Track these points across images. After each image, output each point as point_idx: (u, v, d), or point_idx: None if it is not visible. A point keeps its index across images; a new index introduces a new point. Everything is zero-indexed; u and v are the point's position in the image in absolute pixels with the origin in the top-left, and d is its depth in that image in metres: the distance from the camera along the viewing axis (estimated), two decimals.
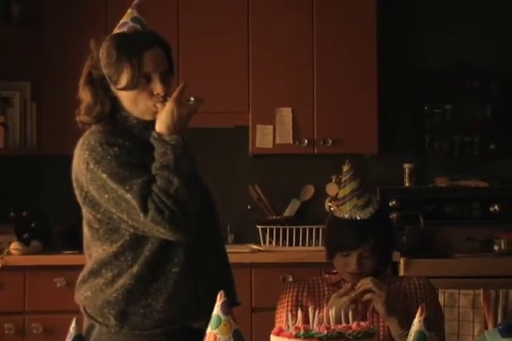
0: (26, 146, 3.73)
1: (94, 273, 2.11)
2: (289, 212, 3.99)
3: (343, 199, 2.25)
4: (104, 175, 2.01)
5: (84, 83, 2.13)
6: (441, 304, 2.75)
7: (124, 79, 2.02)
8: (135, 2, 2.16)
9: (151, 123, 2.06)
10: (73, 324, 1.52)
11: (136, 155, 2.00)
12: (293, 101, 3.80)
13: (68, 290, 3.42)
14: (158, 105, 2.02)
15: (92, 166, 2.05)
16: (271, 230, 3.78)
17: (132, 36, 2.08)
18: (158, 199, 1.91)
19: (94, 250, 2.10)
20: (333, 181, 3.97)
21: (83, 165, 2.08)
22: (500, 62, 4.12)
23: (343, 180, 2.29)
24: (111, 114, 2.10)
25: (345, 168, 2.27)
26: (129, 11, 2.15)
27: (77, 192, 2.12)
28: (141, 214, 1.91)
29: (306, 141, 3.79)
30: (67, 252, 3.55)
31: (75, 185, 2.12)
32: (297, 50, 3.81)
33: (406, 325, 2.08)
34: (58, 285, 3.42)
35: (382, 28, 3.91)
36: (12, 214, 3.69)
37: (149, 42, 2.06)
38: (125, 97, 2.06)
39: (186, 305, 2.03)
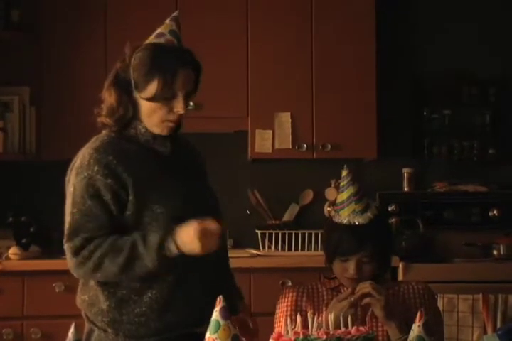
0: (25, 151, 3.73)
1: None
2: (288, 216, 3.99)
3: (341, 205, 2.25)
4: (71, 189, 2.04)
5: (110, 84, 2.16)
6: (441, 309, 2.74)
7: (151, 90, 2.04)
8: (174, 14, 2.17)
9: (159, 135, 2.10)
10: (72, 329, 1.52)
11: (117, 178, 2.00)
12: (292, 106, 3.81)
13: (67, 295, 3.41)
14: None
15: (73, 173, 2.08)
16: (270, 235, 3.77)
17: (170, 51, 2.11)
18: (89, 253, 1.99)
19: None
20: (332, 186, 3.97)
21: (71, 169, 2.13)
22: (499, 68, 4.13)
23: (341, 185, 2.29)
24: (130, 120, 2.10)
25: (343, 173, 2.27)
26: (168, 22, 2.18)
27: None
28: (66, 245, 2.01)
29: (305, 146, 3.79)
30: (65, 257, 3.54)
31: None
32: (296, 55, 3.82)
33: (405, 329, 2.08)
34: (57, 290, 3.42)
35: (382, 34, 3.91)
36: (11, 218, 3.69)
37: (186, 61, 2.10)
38: (144, 106, 2.08)
39: (182, 313, 2.02)
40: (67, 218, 2.03)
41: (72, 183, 2.03)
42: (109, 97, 2.13)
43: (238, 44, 3.80)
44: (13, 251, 3.49)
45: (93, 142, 2.10)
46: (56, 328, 3.24)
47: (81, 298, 2.11)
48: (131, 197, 2.00)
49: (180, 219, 2.00)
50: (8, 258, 3.47)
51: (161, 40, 2.14)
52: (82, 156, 2.07)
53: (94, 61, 3.77)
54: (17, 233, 3.63)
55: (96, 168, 2.01)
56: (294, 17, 3.83)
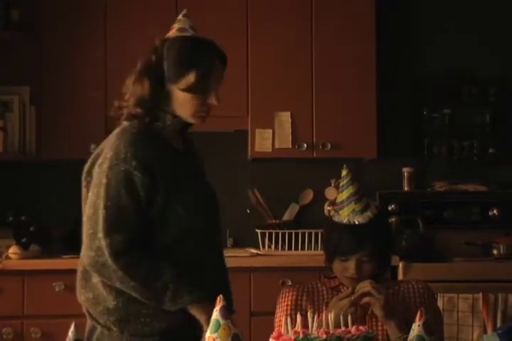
0: (25, 151, 3.73)
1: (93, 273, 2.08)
2: (288, 216, 3.99)
3: (341, 204, 2.25)
4: (104, 180, 1.99)
5: (141, 75, 2.13)
6: (441, 308, 2.75)
7: (188, 81, 2.07)
8: (184, 12, 2.19)
9: (181, 131, 2.13)
10: (72, 328, 1.52)
11: (150, 175, 1.98)
12: (292, 106, 3.81)
13: (67, 295, 3.42)
14: None
15: (106, 164, 2.00)
16: (270, 234, 3.77)
17: (207, 44, 2.18)
18: (131, 265, 1.96)
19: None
20: (332, 185, 3.97)
21: (101, 160, 2.04)
22: (499, 68, 4.13)
23: (340, 184, 2.29)
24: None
25: (343, 173, 2.27)
26: (182, 18, 2.22)
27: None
28: (106, 249, 1.94)
29: (305, 145, 3.79)
30: (66, 256, 3.55)
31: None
32: (296, 55, 3.82)
33: (404, 328, 2.08)
34: (57, 290, 3.42)
35: (382, 34, 3.92)
36: (11, 218, 3.69)
37: (221, 55, 2.17)
38: (178, 97, 2.09)
39: (188, 315, 2.02)
40: (100, 211, 1.97)
41: (106, 175, 1.98)
42: (140, 88, 2.10)
43: (238, 44, 3.80)
44: (13, 250, 3.49)
45: (123, 134, 2.04)
46: (56, 328, 3.24)
47: (85, 296, 2.10)
48: (158, 197, 2.00)
49: (198, 221, 2.05)
50: (8, 258, 3.47)
51: (189, 34, 2.17)
52: (116, 148, 2.00)
53: (94, 61, 3.78)
54: (17, 232, 3.63)
55: (134, 164, 1.97)
56: (294, 17, 3.83)
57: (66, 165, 3.96)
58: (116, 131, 2.09)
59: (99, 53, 3.77)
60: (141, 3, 3.82)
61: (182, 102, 2.09)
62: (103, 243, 1.95)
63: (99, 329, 2.06)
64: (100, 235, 1.95)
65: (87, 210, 2.02)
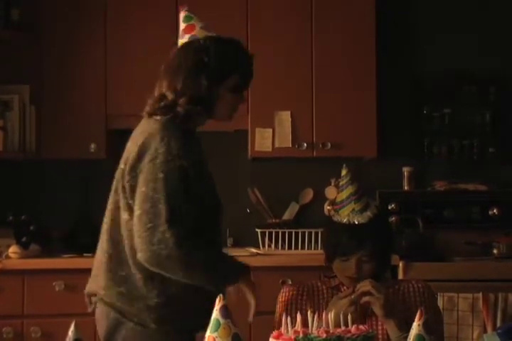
0: (25, 150, 3.73)
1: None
2: (288, 215, 3.99)
3: (340, 204, 2.24)
4: (160, 175, 2.03)
5: (196, 73, 2.18)
6: (441, 307, 2.74)
7: (233, 82, 2.20)
8: (186, 8, 2.25)
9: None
10: (72, 327, 1.52)
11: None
12: (292, 105, 3.81)
13: (67, 294, 3.42)
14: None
15: (160, 159, 2.05)
16: (270, 234, 3.77)
17: (244, 46, 2.31)
18: (196, 253, 2.05)
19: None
20: (332, 184, 3.97)
21: (151, 155, 2.07)
22: (499, 67, 4.13)
23: (340, 184, 2.29)
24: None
25: (343, 173, 2.27)
26: (193, 15, 2.27)
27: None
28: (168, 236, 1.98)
29: (305, 145, 3.79)
30: (66, 256, 3.55)
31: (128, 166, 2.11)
32: (296, 54, 3.82)
33: (404, 327, 2.08)
34: (57, 289, 3.42)
35: (382, 32, 3.91)
36: (11, 217, 3.69)
37: (252, 58, 2.31)
38: (224, 97, 2.21)
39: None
40: (161, 205, 2.01)
41: (162, 170, 2.03)
42: (196, 86, 2.16)
43: None
44: (13, 249, 3.49)
45: (168, 129, 2.09)
46: (56, 327, 3.24)
47: (116, 290, 2.08)
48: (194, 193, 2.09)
49: (209, 219, 2.17)
50: (8, 257, 3.47)
51: (214, 34, 2.26)
52: (167, 145, 2.06)
53: (94, 60, 3.78)
54: (17, 232, 3.63)
55: (188, 161, 2.06)
56: (294, 17, 3.83)
57: (66, 164, 3.97)
58: (157, 125, 2.11)
59: (99, 53, 3.77)
60: (141, 3, 3.82)
61: (227, 102, 2.21)
62: (167, 235, 1.97)
63: (130, 325, 2.04)
64: (162, 228, 1.98)
65: (141, 205, 2.03)
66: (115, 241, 2.15)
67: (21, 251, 3.49)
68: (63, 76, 3.76)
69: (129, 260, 2.08)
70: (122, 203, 2.13)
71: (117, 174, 2.16)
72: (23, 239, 3.57)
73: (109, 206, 2.20)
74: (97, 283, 2.15)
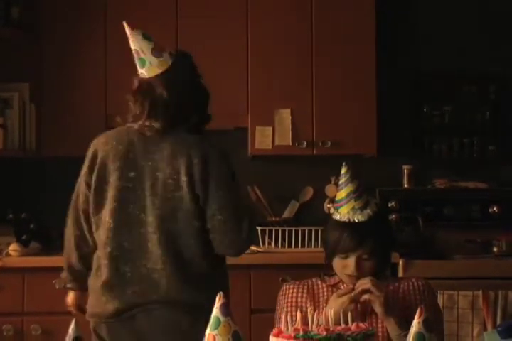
0: (25, 148, 3.73)
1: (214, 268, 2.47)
2: (288, 213, 3.99)
3: (340, 202, 2.24)
4: (230, 175, 2.63)
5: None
6: (441, 305, 2.75)
7: None
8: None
9: None
10: (72, 325, 1.52)
11: None
12: (292, 103, 3.81)
13: (67, 292, 3.42)
14: None
15: (224, 163, 2.61)
16: (270, 231, 3.78)
17: None
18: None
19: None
20: (332, 182, 3.97)
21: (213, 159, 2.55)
22: (499, 65, 4.13)
23: (340, 182, 2.28)
24: None
25: (343, 171, 2.27)
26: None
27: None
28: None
29: (305, 143, 3.79)
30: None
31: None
32: (296, 52, 3.82)
33: (404, 325, 2.08)
34: (57, 287, 3.42)
35: (382, 31, 3.91)
36: (11, 215, 3.69)
37: None
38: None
39: None
40: (238, 201, 2.55)
41: (229, 171, 2.59)
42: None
43: (238, 41, 3.80)
44: (13, 247, 3.49)
45: (208, 140, 2.66)
46: (56, 325, 3.24)
47: (206, 295, 2.16)
48: None
49: None
50: (8, 255, 3.47)
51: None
52: (219, 151, 2.63)
53: (94, 59, 3.78)
54: (17, 230, 3.63)
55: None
56: (294, 15, 3.82)
57: (66, 162, 3.96)
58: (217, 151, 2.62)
59: (99, 52, 3.77)
60: (141, 3, 3.82)
61: None
62: (250, 227, 2.45)
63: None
64: (246, 221, 2.44)
65: (233, 200, 2.53)
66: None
67: (21, 249, 3.50)
68: (63, 74, 3.76)
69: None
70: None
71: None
72: (23, 237, 3.58)
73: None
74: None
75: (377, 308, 2.11)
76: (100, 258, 2.38)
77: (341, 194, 2.25)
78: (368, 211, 2.21)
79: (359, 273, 2.19)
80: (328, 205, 3.91)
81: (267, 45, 3.80)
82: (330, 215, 2.29)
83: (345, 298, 2.11)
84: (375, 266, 2.22)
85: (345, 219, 2.21)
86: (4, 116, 3.72)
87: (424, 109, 4.12)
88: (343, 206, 2.23)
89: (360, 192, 2.23)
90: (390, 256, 2.38)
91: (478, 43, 4.14)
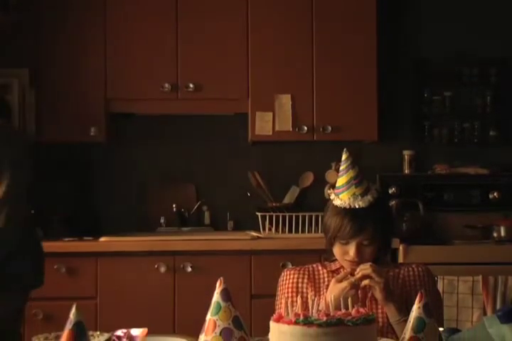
0: (25, 133, 3.71)
1: None
2: (288, 199, 3.99)
3: (341, 188, 2.24)
4: None
5: None
6: (441, 290, 2.76)
7: None
8: None
9: None
10: (73, 310, 1.52)
11: None
12: (292, 88, 3.80)
13: (69, 277, 3.43)
14: None
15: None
16: (270, 217, 3.78)
17: None
18: None
19: None
20: (333, 168, 3.97)
21: None
22: (499, 48, 4.11)
23: (340, 168, 2.27)
24: None
25: (343, 157, 2.26)
26: None
27: None
28: None
29: (305, 128, 3.78)
30: (66, 239, 3.56)
31: None
32: (297, 37, 3.80)
33: (404, 311, 2.09)
34: (58, 272, 3.43)
35: (383, 16, 3.90)
36: None
37: None
38: None
39: None
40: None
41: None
42: None
43: (238, 26, 3.78)
44: None
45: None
46: (58, 309, 3.26)
47: None
48: None
49: None
50: None
51: None
52: None
53: (94, 43, 3.76)
54: None
55: None
56: (295, 0, 3.81)
57: (66, 147, 3.96)
58: None
59: (98, 36, 3.75)
60: None
61: None
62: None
63: None
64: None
65: None
66: None
67: None
68: (63, 60, 3.75)
69: None
70: None
71: None
72: None
73: None
74: None
75: (377, 294, 2.12)
76: None
77: (342, 180, 2.24)
78: (369, 197, 2.21)
79: (359, 259, 2.19)
80: (329, 191, 3.89)
81: (267, 28, 3.79)
82: (330, 201, 2.28)
83: (345, 284, 2.11)
84: (376, 252, 2.22)
85: (345, 205, 2.21)
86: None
87: (425, 94, 4.11)
88: (344, 192, 2.22)
89: (361, 179, 2.23)
90: (391, 241, 2.38)
91: (478, 27, 4.12)
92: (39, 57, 3.74)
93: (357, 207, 2.20)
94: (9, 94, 3.72)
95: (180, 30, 3.77)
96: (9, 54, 3.72)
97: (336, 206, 2.23)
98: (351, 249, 2.19)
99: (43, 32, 3.75)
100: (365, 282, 2.12)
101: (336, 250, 2.24)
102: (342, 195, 2.22)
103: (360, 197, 2.20)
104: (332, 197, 2.27)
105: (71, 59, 3.76)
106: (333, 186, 2.33)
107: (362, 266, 2.14)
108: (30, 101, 3.74)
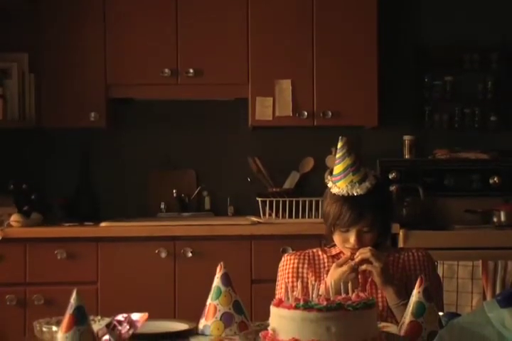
0: (25, 118, 3.71)
1: None
2: (288, 184, 3.99)
3: (338, 176, 2.23)
4: None
5: None
6: (440, 275, 2.77)
7: None
8: None
9: None
10: (74, 295, 1.52)
11: None
12: (292, 73, 3.78)
13: (69, 262, 3.44)
14: None
15: None
16: (271, 202, 3.78)
17: None
18: None
19: None
20: (333, 153, 3.96)
21: None
22: (500, 34, 4.10)
23: (336, 156, 2.25)
24: None
25: (339, 145, 2.24)
26: None
27: None
28: None
29: (305, 113, 3.78)
30: (67, 224, 3.56)
31: None
32: (297, 22, 3.78)
33: (403, 295, 2.10)
34: (59, 257, 3.44)
35: (384, 2, 3.88)
36: (12, 186, 3.69)
37: None
38: None
39: None
40: None
41: None
42: None
43: (239, 11, 3.76)
44: (14, 218, 3.50)
45: None
46: (58, 294, 3.27)
47: None
48: None
49: None
50: (9, 226, 3.48)
51: None
52: None
53: (94, 27, 3.74)
54: (18, 200, 3.64)
55: None
56: None
57: (66, 132, 3.96)
58: None
59: (98, 21, 3.74)
60: None
61: None
62: None
63: None
64: None
65: None
66: None
67: (23, 220, 3.50)
68: (62, 44, 3.73)
69: None
70: None
71: None
72: (25, 208, 3.58)
73: None
74: None
75: (376, 278, 2.12)
76: None
77: (338, 168, 2.23)
78: (367, 184, 2.20)
79: (360, 246, 2.18)
80: (329, 176, 3.90)
81: (267, 14, 3.77)
82: (328, 188, 2.28)
83: (345, 267, 2.11)
84: (376, 238, 2.22)
85: (343, 192, 2.20)
86: (3, 86, 3.70)
87: (426, 79, 4.09)
88: (341, 180, 2.21)
89: (358, 166, 2.21)
90: (390, 227, 2.38)
91: (480, 12, 4.10)
92: (39, 42, 3.72)
93: (355, 194, 2.19)
94: (9, 79, 3.71)
95: (180, 15, 3.75)
96: (9, 38, 3.71)
97: (334, 194, 2.23)
98: (351, 237, 2.19)
99: (43, 17, 3.73)
100: (364, 266, 2.12)
101: (336, 238, 2.24)
102: (339, 183, 2.22)
103: (357, 185, 2.19)
104: (330, 184, 2.26)
105: (71, 44, 3.75)
106: (331, 173, 2.32)
107: (361, 250, 2.15)
108: (29, 86, 3.73)
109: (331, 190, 2.24)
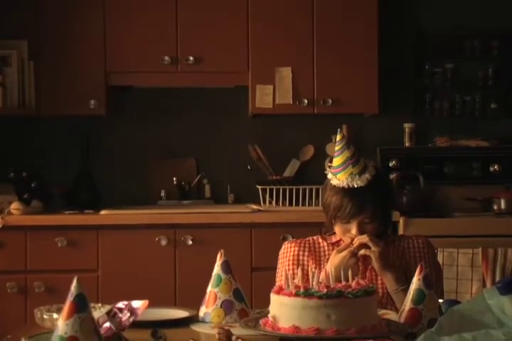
0: (25, 106, 3.70)
1: None
2: (288, 172, 3.99)
3: (338, 168, 2.22)
4: None
5: None
6: (440, 263, 2.77)
7: None
8: None
9: None
10: (75, 283, 1.53)
11: None
12: (293, 61, 3.77)
13: (69, 250, 3.45)
14: None
15: None
16: (271, 190, 3.78)
17: None
18: None
19: None
20: (333, 141, 3.96)
21: None
22: (501, 21, 4.08)
23: (336, 149, 2.24)
24: None
25: (338, 137, 2.23)
26: None
27: None
28: None
29: (306, 101, 3.77)
30: (67, 212, 3.57)
31: None
32: (297, 9, 3.77)
33: (403, 280, 2.10)
34: (59, 245, 3.44)
35: None
36: (12, 174, 3.69)
37: None
38: None
39: None
40: None
41: None
42: None
43: None
44: (15, 206, 3.50)
45: None
46: (59, 282, 3.28)
47: None
48: None
49: None
50: (10, 214, 3.49)
51: None
52: None
53: (93, 15, 3.73)
54: (18, 188, 3.64)
55: None
56: None
57: (66, 120, 3.96)
58: None
59: (98, 8, 3.72)
60: None
61: None
62: None
63: None
64: None
65: None
66: None
67: (23, 208, 3.51)
68: (62, 31, 3.72)
69: None
70: None
71: None
72: (25, 196, 3.58)
73: None
74: None
75: (374, 263, 2.13)
76: None
77: (338, 160, 2.23)
78: (367, 175, 2.19)
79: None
80: (329, 164, 3.90)
81: (267, 1, 3.75)
82: (328, 179, 2.27)
83: (345, 253, 2.12)
84: (377, 228, 2.22)
85: (344, 185, 2.19)
86: (3, 74, 3.69)
87: (426, 67, 4.08)
88: (341, 172, 2.20)
89: (357, 158, 2.21)
90: (391, 216, 2.39)
91: (480, 0, 4.09)
92: (38, 29, 3.71)
93: (355, 186, 2.18)
94: (8, 67, 3.70)
95: (180, 2, 3.73)
96: (8, 25, 3.69)
97: (334, 186, 2.22)
98: (353, 228, 2.19)
99: (43, 4, 3.71)
100: (362, 252, 2.13)
101: (338, 229, 2.24)
102: (339, 175, 2.21)
103: (357, 177, 2.19)
104: (329, 176, 2.25)
105: (70, 31, 3.73)
106: (330, 162, 2.31)
107: (359, 236, 2.15)
108: (29, 74, 3.72)
109: (331, 182, 2.23)
